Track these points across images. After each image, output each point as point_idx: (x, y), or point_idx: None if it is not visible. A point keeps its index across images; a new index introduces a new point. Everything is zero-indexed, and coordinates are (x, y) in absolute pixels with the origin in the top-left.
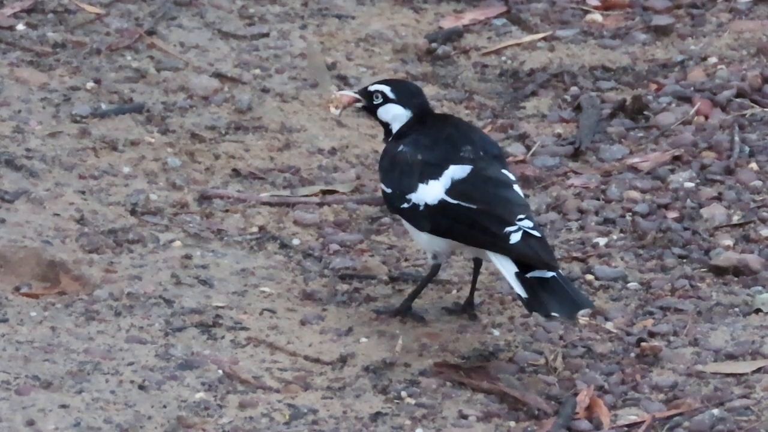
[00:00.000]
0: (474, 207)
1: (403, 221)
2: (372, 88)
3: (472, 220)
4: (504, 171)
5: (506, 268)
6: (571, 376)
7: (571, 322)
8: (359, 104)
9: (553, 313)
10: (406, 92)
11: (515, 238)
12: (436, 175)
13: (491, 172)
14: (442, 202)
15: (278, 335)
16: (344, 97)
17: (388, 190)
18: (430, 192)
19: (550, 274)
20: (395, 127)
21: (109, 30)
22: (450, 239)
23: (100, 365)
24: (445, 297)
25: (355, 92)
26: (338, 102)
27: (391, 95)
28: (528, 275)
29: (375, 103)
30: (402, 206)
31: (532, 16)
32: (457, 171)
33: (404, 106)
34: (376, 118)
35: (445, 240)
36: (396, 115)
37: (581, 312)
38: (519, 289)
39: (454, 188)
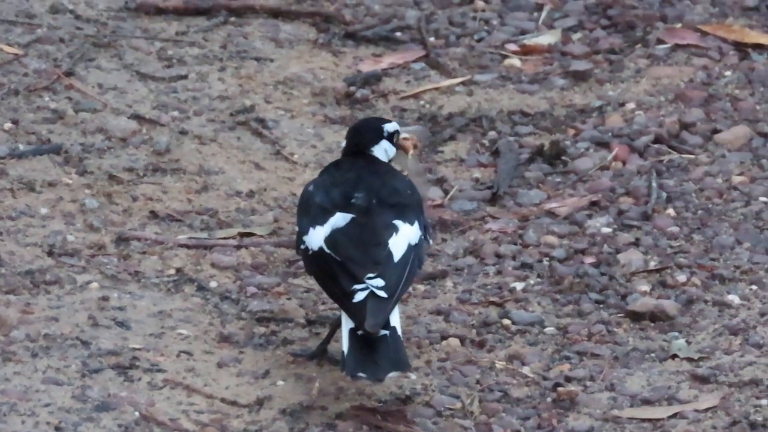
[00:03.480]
0: (338, 259)
1: None
2: None
3: (332, 271)
4: (397, 222)
5: (346, 322)
6: (488, 420)
7: (378, 383)
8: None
9: (360, 374)
10: (351, 127)
11: (359, 297)
12: (323, 221)
13: (371, 224)
14: (320, 250)
15: (195, 377)
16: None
17: (297, 228)
18: (316, 237)
19: (381, 332)
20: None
21: (27, 71)
22: (320, 286)
23: (16, 406)
24: None
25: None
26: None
27: None
28: (359, 332)
29: None
30: (300, 247)
31: (450, 61)
32: (339, 219)
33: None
34: None
35: (319, 285)
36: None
37: (391, 375)
38: (344, 345)
39: (331, 237)
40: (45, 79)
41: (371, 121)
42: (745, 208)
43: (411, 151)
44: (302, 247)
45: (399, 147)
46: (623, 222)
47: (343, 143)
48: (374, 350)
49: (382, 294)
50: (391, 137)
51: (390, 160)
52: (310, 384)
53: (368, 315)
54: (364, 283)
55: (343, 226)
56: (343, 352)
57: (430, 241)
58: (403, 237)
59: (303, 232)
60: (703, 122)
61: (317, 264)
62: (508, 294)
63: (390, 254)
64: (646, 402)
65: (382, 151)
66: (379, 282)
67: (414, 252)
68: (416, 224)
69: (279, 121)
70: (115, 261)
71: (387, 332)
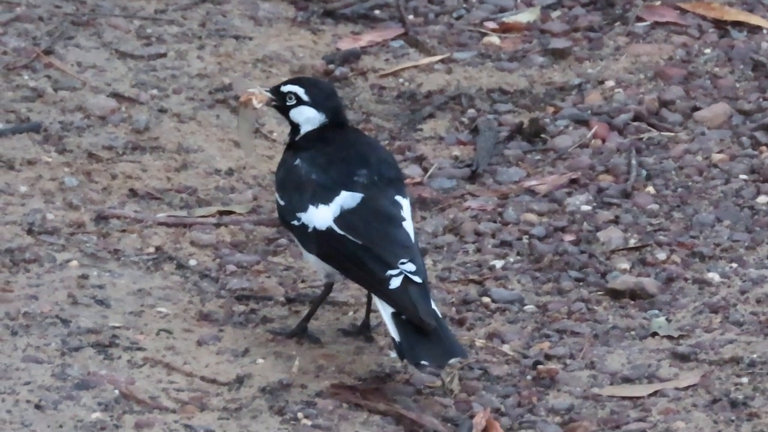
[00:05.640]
0: (359, 242)
1: (294, 238)
2: (285, 88)
3: (355, 256)
4: (398, 198)
5: (384, 307)
6: (468, 398)
7: (440, 370)
8: (273, 104)
9: (423, 362)
10: (320, 94)
11: (395, 283)
12: (327, 200)
13: (382, 204)
14: (329, 230)
15: (175, 356)
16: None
17: (282, 203)
18: (320, 216)
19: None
20: (304, 129)
21: (6, 49)
22: (335, 268)
23: None
24: (342, 318)
25: (268, 91)
26: (261, 97)
27: (304, 97)
28: (403, 316)
29: (288, 104)
30: (292, 222)
31: (429, 39)
32: (347, 199)
33: (318, 109)
34: (288, 119)
35: (332, 266)
36: (308, 118)
37: (452, 361)
38: (393, 332)
39: (342, 218)
40: (24, 58)
41: (330, 84)
42: (725, 186)
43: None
44: (296, 223)
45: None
46: (603, 200)
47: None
48: (427, 335)
49: (417, 279)
50: None
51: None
52: (290, 362)
53: (419, 305)
54: (397, 268)
55: (354, 206)
56: (394, 339)
57: None
58: (407, 213)
59: (297, 208)
60: (682, 100)
61: (328, 245)
62: (487, 272)
63: (408, 235)
64: (627, 380)
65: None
66: (412, 267)
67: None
68: (408, 197)
69: None
70: (94, 239)
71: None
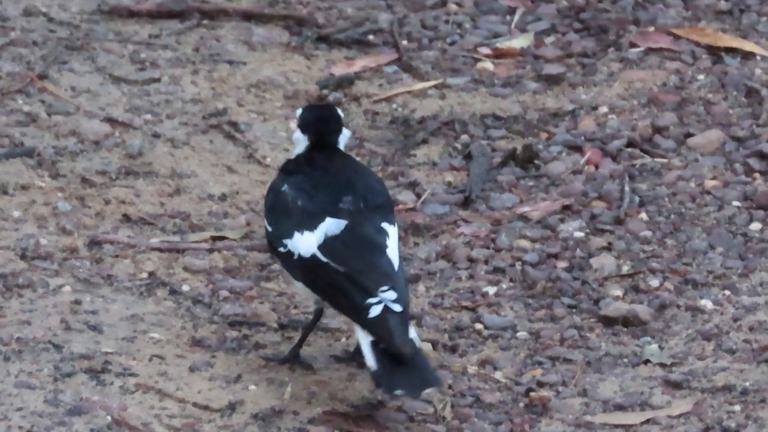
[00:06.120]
0: (341, 270)
1: (281, 265)
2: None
3: (337, 283)
4: (384, 225)
5: (363, 336)
6: (460, 425)
7: (415, 399)
8: None
9: (397, 391)
10: (309, 117)
11: (374, 311)
12: (312, 226)
13: (366, 231)
14: (313, 257)
15: (167, 381)
16: None
17: (269, 229)
18: (305, 243)
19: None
20: (294, 152)
21: (0, 74)
22: (318, 295)
23: None
24: (334, 345)
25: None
26: None
27: (297, 120)
28: (381, 346)
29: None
30: (279, 249)
31: (423, 64)
32: (332, 226)
33: (303, 131)
34: None
35: (316, 294)
36: (297, 140)
37: (427, 390)
38: (370, 361)
39: (326, 245)
40: (18, 82)
41: (328, 109)
42: (718, 213)
43: None
44: (282, 250)
45: None
46: (596, 226)
47: (299, 133)
48: (404, 364)
49: (397, 307)
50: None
51: None
52: (282, 388)
53: (396, 334)
54: (377, 296)
55: (339, 233)
56: (370, 368)
57: None
58: (393, 240)
59: (283, 235)
60: (676, 126)
61: (312, 272)
62: (480, 298)
63: (391, 263)
64: (619, 407)
65: (344, 138)
66: (392, 295)
67: (400, 254)
68: (395, 224)
69: (252, 125)
70: (87, 264)
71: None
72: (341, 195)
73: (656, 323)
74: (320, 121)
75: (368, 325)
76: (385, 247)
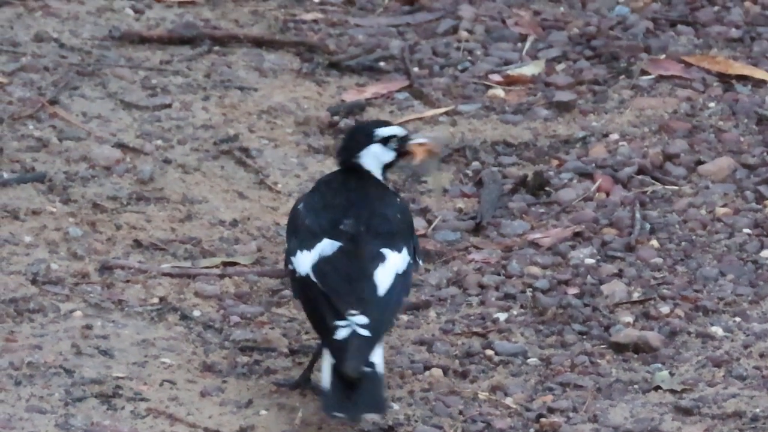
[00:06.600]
0: (323, 290)
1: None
2: None
3: (317, 303)
4: (384, 250)
5: (327, 356)
6: None
7: (354, 423)
8: None
9: (336, 413)
10: (348, 136)
11: (341, 334)
12: (311, 246)
13: (358, 255)
14: (307, 276)
15: (178, 406)
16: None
17: (287, 245)
18: (303, 262)
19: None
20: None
21: (11, 99)
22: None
23: None
24: None
25: None
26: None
27: None
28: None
29: None
30: (288, 267)
31: (434, 91)
32: (327, 247)
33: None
34: None
35: (305, 313)
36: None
37: (368, 416)
38: (325, 381)
39: (317, 265)
40: (29, 108)
41: (364, 124)
42: (729, 240)
43: (420, 157)
44: (290, 267)
45: (407, 153)
46: (606, 253)
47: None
48: (354, 389)
49: (365, 333)
50: (386, 141)
51: (386, 167)
52: (293, 414)
53: (349, 356)
54: (346, 319)
55: (330, 254)
56: (324, 388)
57: (420, 263)
58: (391, 267)
59: (291, 252)
60: (686, 153)
61: (303, 290)
62: (491, 324)
63: (375, 288)
64: None
65: (372, 156)
66: (362, 320)
67: (401, 281)
68: (404, 251)
69: (263, 151)
70: (98, 289)
71: (368, 370)
72: (344, 217)
73: (667, 350)
74: (345, 134)
75: (331, 346)
76: (373, 270)
